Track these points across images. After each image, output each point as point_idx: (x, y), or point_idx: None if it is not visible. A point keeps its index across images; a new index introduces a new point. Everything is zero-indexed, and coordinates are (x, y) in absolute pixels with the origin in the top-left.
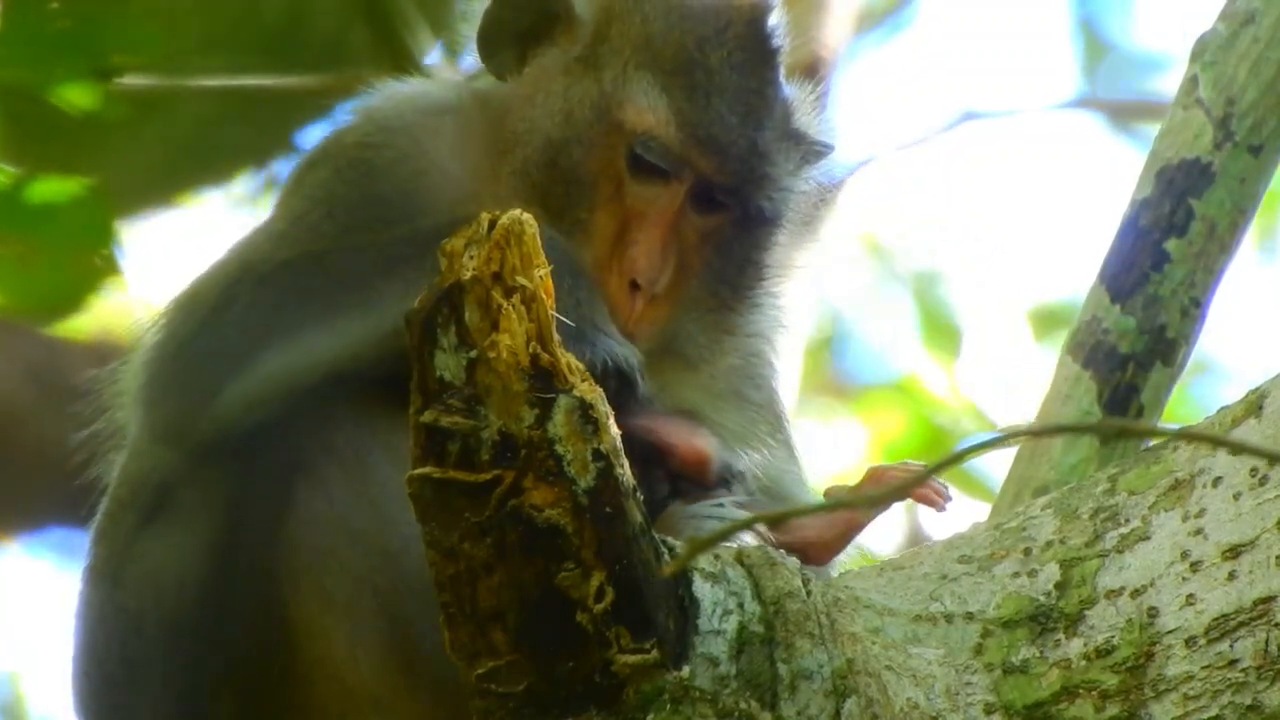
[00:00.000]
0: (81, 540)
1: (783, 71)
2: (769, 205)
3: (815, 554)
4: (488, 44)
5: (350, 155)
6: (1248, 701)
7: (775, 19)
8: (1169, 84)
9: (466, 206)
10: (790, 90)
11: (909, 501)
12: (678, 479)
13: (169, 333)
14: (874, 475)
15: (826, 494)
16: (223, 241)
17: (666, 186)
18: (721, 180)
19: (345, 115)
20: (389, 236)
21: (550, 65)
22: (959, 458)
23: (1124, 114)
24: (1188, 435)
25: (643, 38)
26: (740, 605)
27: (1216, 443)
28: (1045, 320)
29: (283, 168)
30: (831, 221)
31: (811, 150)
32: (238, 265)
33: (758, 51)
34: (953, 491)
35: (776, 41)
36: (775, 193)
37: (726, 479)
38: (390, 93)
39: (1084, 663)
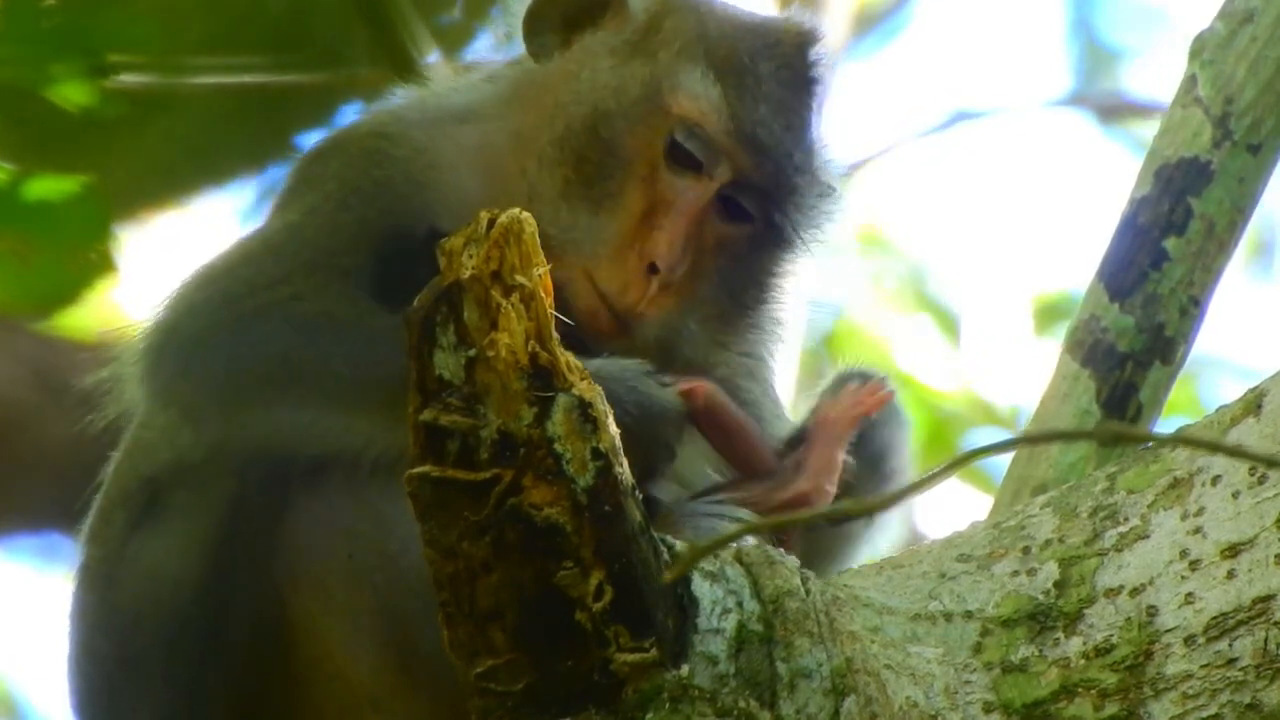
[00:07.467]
0: (63, 545)
1: (819, 107)
2: (790, 223)
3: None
4: (534, 23)
5: (364, 144)
6: (1246, 700)
7: (821, 50)
8: (1162, 83)
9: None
10: (819, 129)
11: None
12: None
13: (189, 313)
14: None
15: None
16: (227, 236)
17: (698, 180)
18: (757, 180)
19: (355, 114)
20: None
21: (596, 46)
22: (960, 462)
23: (1115, 112)
24: (1185, 440)
25: (697, 35)
26: (739, 604)
27: (1213, 448)
28: (1045, 313)
29: (283, 168)
30: (834, 255)
31: (827, 190)
32: (273, 263)
33: (801, 75)
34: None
35: (819, 72)
36: (798, 212)
37: None
38: (406, 94)
39: (1083, 661)
